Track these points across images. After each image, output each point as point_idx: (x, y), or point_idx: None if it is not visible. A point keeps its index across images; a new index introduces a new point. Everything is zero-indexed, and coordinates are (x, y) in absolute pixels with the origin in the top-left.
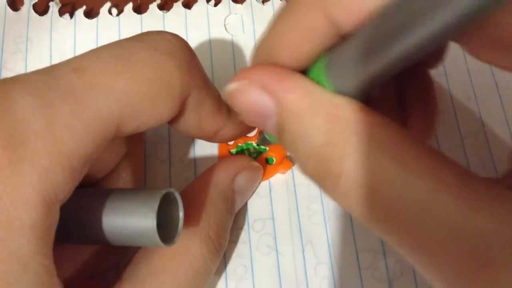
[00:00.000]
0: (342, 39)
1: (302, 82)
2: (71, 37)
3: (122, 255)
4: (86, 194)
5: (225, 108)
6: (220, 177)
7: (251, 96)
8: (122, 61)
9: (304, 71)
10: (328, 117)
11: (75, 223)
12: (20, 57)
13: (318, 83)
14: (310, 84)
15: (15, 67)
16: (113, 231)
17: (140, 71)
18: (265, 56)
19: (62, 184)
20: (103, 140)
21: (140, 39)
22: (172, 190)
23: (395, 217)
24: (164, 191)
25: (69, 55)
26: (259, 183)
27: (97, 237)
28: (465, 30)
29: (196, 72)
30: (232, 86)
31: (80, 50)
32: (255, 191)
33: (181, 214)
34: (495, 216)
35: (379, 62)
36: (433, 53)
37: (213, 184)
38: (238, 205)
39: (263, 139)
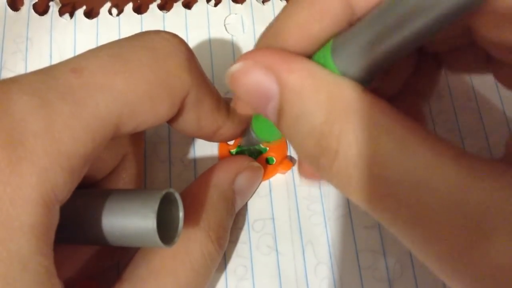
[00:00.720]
0: (350, 25)
1: (305, 63)
2: (71, 37)
3: (122, 256)
4: (86, 195)
5: (224, 107)
6: (221, 178)
7: (254, 76)
8: (120, 60)
9: (309, 57)
10: (329, 96)
11: (75, 223)
12: (20, 57)
13: (324, 65)
14: (313, 65)
15: (15, 67)
16: (113, 231)
17: (138, 71)
18: (272, 38)
19: (62, 184)
20: (103, 139)
21: (139, 39)
22: (172, 190)
23: (392, 192)
24: (164, 192)
25: (69, 55)
26: (260, 184)
27: (97, 237)
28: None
29: (195, 71)
30: (235, 67)
31: (80, 50)
32: (255, 191)
33: (181, 214)
34: (491, 189)
35: (383, 47)
36: (426, 87)
37: (214, 184)
38: (238, 205)
39: (247, 139)
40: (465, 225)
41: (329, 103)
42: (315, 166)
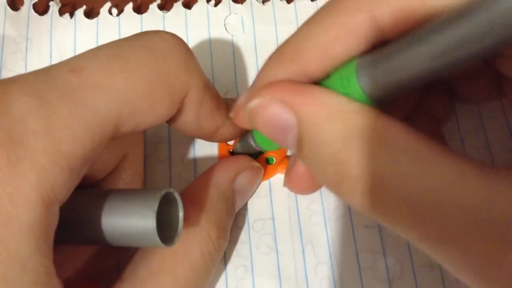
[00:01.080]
0: (375, 45)
1: (320, 94)
2: (71, 37)
3: (122, 256)
4: (86, 195)
5: (224, 107)
6: (221, 177)
7: (272, 110)
8: (119, 60)
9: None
10: (345, 124)
11: (74, 223)
12: (20, 57)
13: (346, 84)
14: (328, 95)
15: (15, 67)
16: (113, 231)
17: (138, 70)
18: (291, 58)
19: (61, 184)
20: (102, 139)
21: (138, 39)
22: (171, 190)
23: (417, 211)
24: (163, 191)
25: (69, 55)
26: (260, 184)
27: (96, 237)
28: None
29: (194, 71)
30: (253, 103)
31: (80, 50)
32: (255, 191)
33: (181, 214)
34: None
35: (415, 72)
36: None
37: (214, 184)
38: (239, 205)
39: (245, 146)
40: (491, 238)
41: (345, 131)
42: (337, 193)
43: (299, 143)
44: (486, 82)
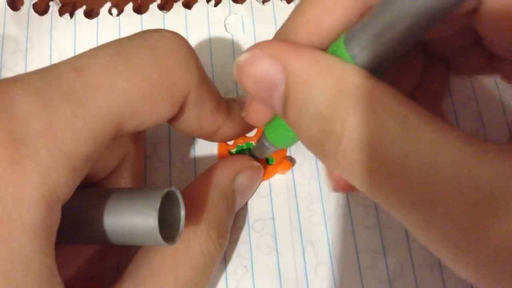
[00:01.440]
0: (361, 16)
1: (312, 52)
2: (71, 37)
3: (123, 256)
4: (88, 194)
5: (224, 106)
6: (221, 177)
7: (260, 65)
8: (121, 59)
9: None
10: (334, 82)
11: (76, 223)
12: (20, 57)
13: (337, 56)
14: (320, 52)
15: (15, 67)
16: (115, 230)
17: (140, 70)
18: (285, 36)
19: (64, 184)
20: (104, 139)
21: (140, 38)
22: (173, 189)
23: (396, 174)
24: (165, 190)
25: (69, 55)
26: (260, 183)
27: (98, 236)
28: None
29: (196, 70)
30: (242, 57)
31: (80, 50)
32: (255, 191)
33: (182, 213)
34: (499, 166)
35: (388, 37)
36: (438, 88)
37: (214, 183)
38: (239, 205)
39: (260, 149)
40: (471, 203)
41: (334, 88)
42: (320, 153)
43: (285, 99)
44: (478, 57)
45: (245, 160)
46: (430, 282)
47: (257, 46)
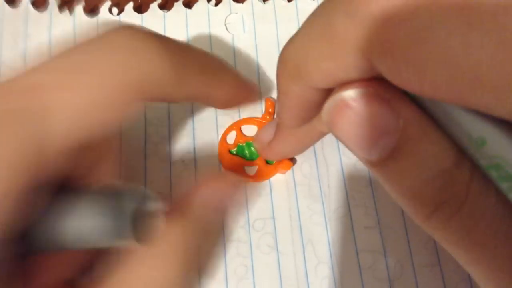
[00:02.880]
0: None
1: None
2: (71, 34)
3: (97, 260)
4: (58, 199)
5: (212, 69)
6: (203, 195)
7: (371, 107)
8: (79, 71)
9: None
10: None
11: (46, 229)
12: (19, 53)
13: None
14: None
15: (13, 64)
16: (84, 233)
17: (97, 80)
18: (294, 68)
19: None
20: (65, 156)
21: (99, 41)
22: (146, 189)
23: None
24: (140, 190)
25: None
26: (242, 202)
27: (71, 240)
28: None
29: (161, 62)
30: (345, 94)
31: None
32: (238, 209)
33: (155, 212)
34: None
35: None
36: None
37: (194, 202)
38: (224, 221)
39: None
40: None
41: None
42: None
43: (395, 152)
44: None
45: (229, 179)
46: (430, 282)
47: (358, 85)
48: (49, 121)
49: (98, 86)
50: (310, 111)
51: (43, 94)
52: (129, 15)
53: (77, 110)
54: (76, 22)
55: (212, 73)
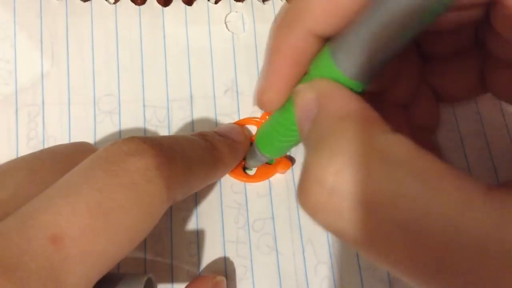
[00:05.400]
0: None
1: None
2: (63, 21)
3: None
4: None
5: (208, 151)
6: None
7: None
8: (101, 216)
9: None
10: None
11: None
12: (9, 43)
13: (326, 71)
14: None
15: (4, 55)
16: None
17: (121, 222)
18: (298, 17)
19: None
20: None
21: (115, 171)
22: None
23: (415, 239)
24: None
25: (62, 41)
26: None
27: None
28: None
29: (177, 185)
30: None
31: (74, 36)
32: None
33: None
34: None
35: (377, 44)
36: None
37: None
38: None
39: (253, 159)
40: (503, 266)
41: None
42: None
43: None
44: (470, 75)
45: (208, 280)
46: None
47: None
48: (68, 272)
49: (117, 231)
50: (299, 73)
51: (64, 247)
52: (125, 5)
53: (97, 258)
54: (68, 7)
55: (212, 163)
